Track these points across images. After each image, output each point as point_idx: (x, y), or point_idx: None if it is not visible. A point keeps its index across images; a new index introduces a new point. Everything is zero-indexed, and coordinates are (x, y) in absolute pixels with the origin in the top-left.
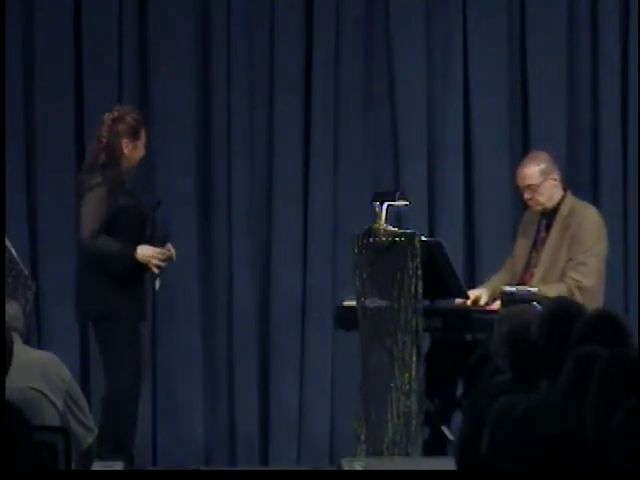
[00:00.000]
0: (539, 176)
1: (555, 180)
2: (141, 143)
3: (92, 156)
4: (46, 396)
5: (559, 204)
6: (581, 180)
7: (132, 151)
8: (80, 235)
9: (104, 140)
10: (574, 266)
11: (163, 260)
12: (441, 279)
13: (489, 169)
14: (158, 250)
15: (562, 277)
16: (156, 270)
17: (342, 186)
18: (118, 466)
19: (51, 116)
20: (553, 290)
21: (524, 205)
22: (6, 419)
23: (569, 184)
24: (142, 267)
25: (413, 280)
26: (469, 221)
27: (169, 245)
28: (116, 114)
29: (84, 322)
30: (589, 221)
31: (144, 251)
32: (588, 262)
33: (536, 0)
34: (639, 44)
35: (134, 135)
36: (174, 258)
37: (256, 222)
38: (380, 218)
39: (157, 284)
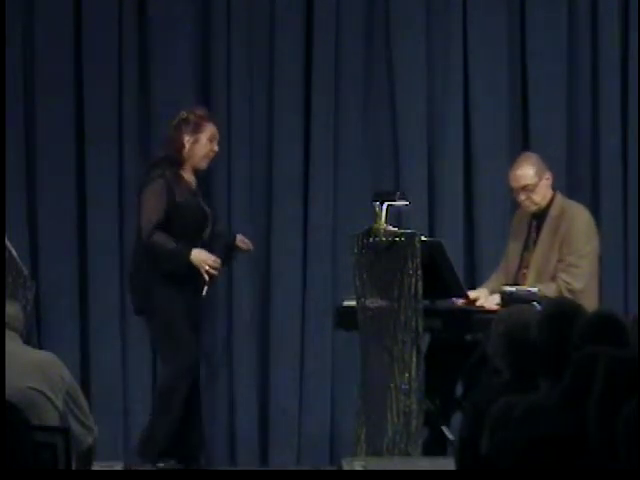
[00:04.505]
0: (534, 176)
1: (548, 180)
2: (205, 136)
3: (158, 154)
4: (46, 396)
5: (549, 204)
6: (581, 180)
7: (193, 145)
8: (141, 227)
9: (169, 137)
10: (565, 268)
11: (215, 268)
12: (441, 279)
13: (489, 169)
14: (213, 257)
15: (553, 278)
16: (207, 276)
17: (342, 186)
18: (118, 466)
19: (51, 116)
20: (546, 289)
21: (518, 207)
22: (6, 419)
23: (569, 184)
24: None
25: (413, 280)
26: (469, 221)
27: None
28: (184, 115)
29: (140, 313)
30: (579, 221)
31: (199, 255)
32: (579, 264)
33: (536, 0)
34: (639, 44)
35: (194, 130)
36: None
37: (256, 221)
38: (380, 218)
39: (204, 290)
